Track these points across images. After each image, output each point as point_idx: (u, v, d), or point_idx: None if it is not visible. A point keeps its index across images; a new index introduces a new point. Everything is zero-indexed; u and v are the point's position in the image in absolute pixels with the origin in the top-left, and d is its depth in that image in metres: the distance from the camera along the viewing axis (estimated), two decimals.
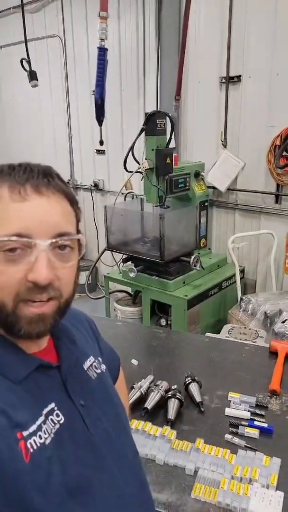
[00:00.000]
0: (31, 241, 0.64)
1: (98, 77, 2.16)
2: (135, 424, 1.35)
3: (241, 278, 3.21)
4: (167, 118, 2.79)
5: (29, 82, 3.00)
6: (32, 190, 0.66)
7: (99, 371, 0.86)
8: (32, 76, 2.96)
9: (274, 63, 3.00)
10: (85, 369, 0.83)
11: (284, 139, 2.91)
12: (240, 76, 3.20)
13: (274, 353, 1.73)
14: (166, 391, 1.44)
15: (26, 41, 3.08)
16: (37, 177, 0.67)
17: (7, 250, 0.63)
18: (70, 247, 0.69)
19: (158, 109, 3.58)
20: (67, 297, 0.71)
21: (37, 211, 0.65)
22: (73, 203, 0.72)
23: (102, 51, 2.12)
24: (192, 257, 2.94)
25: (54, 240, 0.66)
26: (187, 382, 1.49)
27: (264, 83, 3.08)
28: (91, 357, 0.86)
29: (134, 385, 1.48)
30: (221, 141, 3.37)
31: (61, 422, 0.70)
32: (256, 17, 3.02)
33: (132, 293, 3.38)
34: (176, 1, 3.36)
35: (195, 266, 2.96)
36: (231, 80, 3.25)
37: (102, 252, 3.40)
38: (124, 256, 3.22)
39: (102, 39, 2.10)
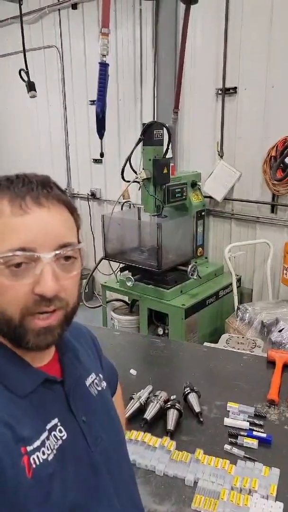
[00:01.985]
0: (35, 255, 0.64)
1: (99, 91, 2.19)
2: (135, 435, 1.35)
3: (237, 287, 3.23)
4: (164, 129, 2.82)
5: (28, 92, 3.03)
6: (32, 202, 0.65)
7: (100, 388, 0.86)
8: (31, 87, 2.99)
9: (270, 75, 3.05)
10: (87, 385, 0.83)
11: (282, 152, 2.94)
12: (236, 87, 3.25)
13: (271, 363, 1.74)
14: (165, 402, 1.45)
15: (24, 52, 3.11)
16: (36, 188, 0.67)
17: (12, 265, 0.63)
18: (73, 257, 0.69)
19: (155, 119, 3.62)
20: (73, 306, 0.71)
21: (39, 224, 0.65)
22: (73, 211, 0.72)
23: (104, 66, 2.15)
24: (189, 266, 2.96)
25: (58, 252, 0.66)
26: (186, 392, 1.50)
27: (259, 95, 3.12)
28: (93, 373, 0.86)
29: (133, 396, 1.49)
30: (218, 151, 3.41)
31: (64, 438, 0.70)
32: (251, 29, 3.08)
33: (129, 302, 3.39)
34: (173, 13, 3.41)
35: (192, 275, 2.97)
36: (227, 91, 3.29)
37: (99, 261, 3.41)
38: (121, 265, 3.24)
39: (103, 55, 2.13)
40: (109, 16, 2.14)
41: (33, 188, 0.67)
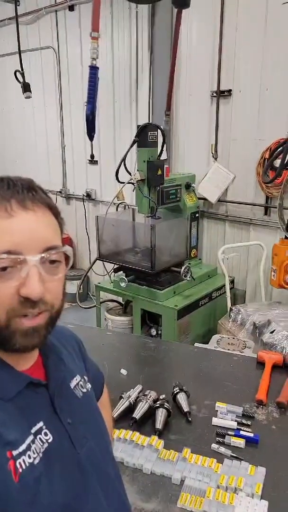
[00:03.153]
0: (21, 258, 0.64)
1: (89, 94, 2.21)
2: (123, 433, 1.36)
3: (231, 289, 3.25)
4: (159, 131, 2.83)
5: (23, 93, 3.04)
6: (18, 205, 0.66)
7: (84, 390, 0.87)
8: (26, 87, 3.00)
9: (264, 78, 3.07)
10: (72, 387, 0.83)
11: (271, 153, 2.97)
12: (230, 90, 3.27)
13: (261, 364, 1.75)
14: (154, 401, 1.46)
15: (20, 53, 3.13)
16: (21, 192, 0.67)
17: None
18: (58, 260, 0.70)
19: (150, 121, 3.64)
20: (58, 308, 0.71)
21: (25, 227, 0.65)
22: (57, 215, 0.73)
23: (94, 70, 2.17)
24: (183, 267, 2.98)
25: (43, 255, 0.66)
26: (175, 392, 1.51)
27: (254, 98, 3.15)
28: (78, 375, 0.87)
29: (122, 395, 1.50)
30: (212, 153, 3.43)
31: (49, 441, 0.70)
32: (246, 33, 3.10)
33: (123, 302, 3.40)
34: (169, 17, 3.43)
35: (185, 276, 2.99)
36: (221, 94, 3.31)
37: (94, 262, 3.42)
38: (115, 266, 3.25)
39: (93, 58, 2.15)
40: (99, 20, 2.16)
41: (18, 191, 0.67)
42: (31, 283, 0.64)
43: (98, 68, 2.18)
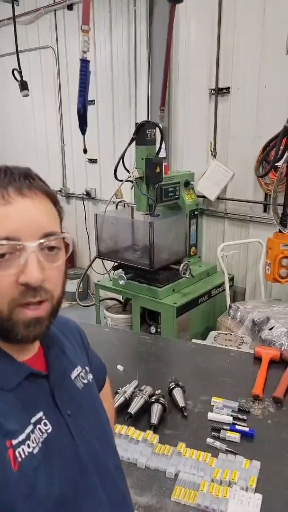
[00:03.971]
0: (20, 244, 0.64)
1: (80, 87, 2.22)
2: (119, 428, 1.36)
3: (230, 286, 3.24)
4: (157, 128, 2.83)
5: (20, 92, 3.05)
6: (15, 192, 0.66)
7: (85, 381, 0.86)
8: (23, 86, 3.01)
9: (262, 75, 3.06)
10: (72, 378, 0.83)
11: (264, 148, 2.96)
12: (229, 87, 3.27)
13: (258, 359, 1.75)
14: (150, 396, 1.46)
15: (17, 51, 3.13)
16: (18, 179, 0.67)
17: None
18: (57, 247, 0.69)
19: (149, 119, 3.64)
20: (58, 297, 0.71)
21: (23, 213, 0.65)
22: (55, 202, 0.73)
23: (84, 63, 2.18)
24: (182, 265, 2.97)
25: (42, 241, 0.66)
26: (170, 387, 1.51)
27: (252, 95, 3.14)
28: (79, 366, 0.86)
29: (118, 390, 1.50)
30: (211, 151, 3.43)
31: (49, 431, 0.70)
32: (244, 30, 3.10)
33: (123, 300, 3.40)
34: (167, 14, 3.41)
35: (184, 274, 2.99)
36: (220, 91, 3.31)
37: (93, 260, 3.42)
38: (115, 264, 3.25)
39: (84, 52, 2.16)
40: (89, 13, 2.18)
41: (15, 178, 0.67)
42: (29, 269, 0.64)
43: (89, 61, 2.19)
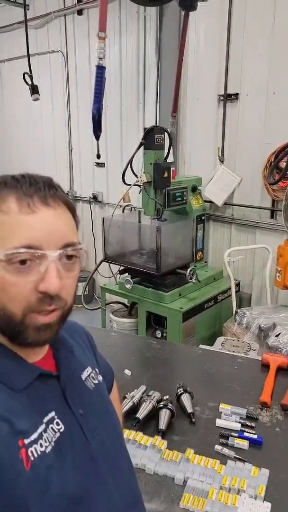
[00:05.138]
0: (41, 252, 0.65)
1: (96, 93, 2.24)
2: (127, 433, 1.36)
3: (236, 292, 3.24)
4: (166, 133, 2.84)
5: (31, 95, 3.07)
6: (40, 202, 0.67)
7: (96, 381, 0.87)
8: (34, 90, 3.03)
9: (271, 82, 3.07)
10: (83, 379, 0.84)
11: (276, 155, 2.97)
12: (237, 94, 3.28)
13: (266, 366, 1.75)
14: (158, 402, 1.46)
15: (28, 55, 3.16)
16: (43, 189, 0.69)
17: (17, 262, 0.65)
18: (75, 256, 0.71)
19: (157, 124, 3.65)
20: (70, 305, 0.73)
21: (46, 223, 0.67)
22: (74, 213, 0.75)
23: (100, 69, 2.20)
24: (188, 269, 2.97)
25: (62, 251, 0.68)
26: (179, 393, 1.51)
27: (261, 101, 3.15)
28: (89, 367, 0.88)
29: (126, 395, 1.50)
30: (219, 156, 3.44)
31: (61, 430, 0.71)
32: (253, 37, 3.11)
33: (128, 304, 3.40)
34: (176, 20, 3.45)
35: (191, 278, 2.99)
36: (228, 97, 3.32)
37: (99, 263, 3.43)
38: (121, 268, 3.25)
39: (100, 58, 2.18)
40: (106, 20, 2.20)
41: (40, 188, 0.68)
42: (49, 277, 0.65)
43: (104, 67, 2.21)
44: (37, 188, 0.68)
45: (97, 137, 2.34)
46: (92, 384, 0.85)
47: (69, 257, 0.70)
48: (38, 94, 3.05)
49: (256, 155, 3.22)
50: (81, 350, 0.90)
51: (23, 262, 0.65)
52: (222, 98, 3.36)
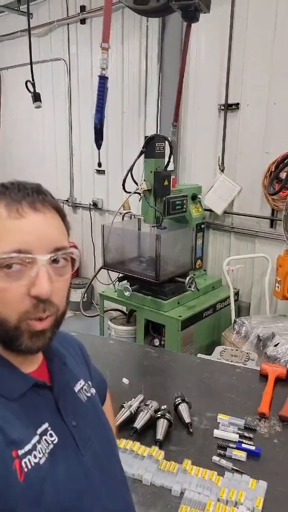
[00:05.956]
0: (31, 257, 0.66)
1: (98, 103, 2.26)
2: (124, 443, 1.35)
3: (235, 301, 3.23)
4: (166, 142, 2.86)
5: (33, 103, 3.09)
6: (28, 207, 0.68)
7: (89, 394, 0.87)
8: (36, 97, 3.05)
9: (272, 92, 3.10)
10: (76, 391, 0.84)
11: (277, 166, 2.98)
12: (238, 104, 3.30)
13: (264, 376, 1.74)
14: (156, 411, 1.45)
15: (31, 63, 3.19)
16: (32, 194, 0.69)
17: (6, 267, 0.65)
18: (66, 260, 0.71)
19: (158, 132, 3.67)
20: (62, 311, 0.73)
21: (35, 227, 0.67)
22: (64, 218, 0.75)
23: (103, 80, 2.22)
24: (187, 278, 2.97)
25: (53, 255, 0.68)
26: (176, 403, 1.50)
27: (261, 111, 3.17)
28: (81, 380, 0.87)
29: (124, 404, 1.49)
30: (219, 165, 3.45)
31: (55, 442, 0.71)
32: (254, 47, 3.14)
33: (127, 312, 3.39)
34: (178, 28, 3.48)
35: (190, 287, 2.98)
36: (229, 107, 3.34)
37: (98, 270, 3.43)
38: (120, 275, 3.25)
39: (103, 68, 2.20)
40: (109, 31, 2.22)
41: (28, 193, 0.69)
42: (40, 282, 0.66)
43: (107, 78, 2.23)
44: (25, 193, 0.69)
45: (99, 146, 2.37)
46: (85, 396, 0.85)
47: (60, 261, 0.70)
48: (40, 101, 3.08)
49: (256, 165, 3.24)
50: (74, 361, 0.90)
51: (13, 266, 0.65)
52: (222, 107, 3.38)
